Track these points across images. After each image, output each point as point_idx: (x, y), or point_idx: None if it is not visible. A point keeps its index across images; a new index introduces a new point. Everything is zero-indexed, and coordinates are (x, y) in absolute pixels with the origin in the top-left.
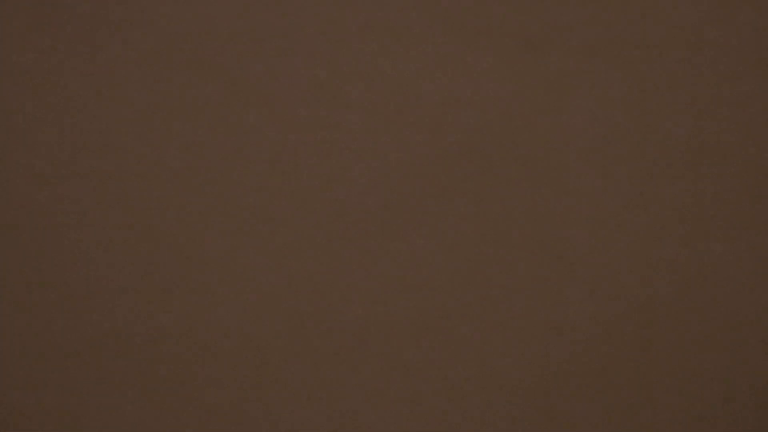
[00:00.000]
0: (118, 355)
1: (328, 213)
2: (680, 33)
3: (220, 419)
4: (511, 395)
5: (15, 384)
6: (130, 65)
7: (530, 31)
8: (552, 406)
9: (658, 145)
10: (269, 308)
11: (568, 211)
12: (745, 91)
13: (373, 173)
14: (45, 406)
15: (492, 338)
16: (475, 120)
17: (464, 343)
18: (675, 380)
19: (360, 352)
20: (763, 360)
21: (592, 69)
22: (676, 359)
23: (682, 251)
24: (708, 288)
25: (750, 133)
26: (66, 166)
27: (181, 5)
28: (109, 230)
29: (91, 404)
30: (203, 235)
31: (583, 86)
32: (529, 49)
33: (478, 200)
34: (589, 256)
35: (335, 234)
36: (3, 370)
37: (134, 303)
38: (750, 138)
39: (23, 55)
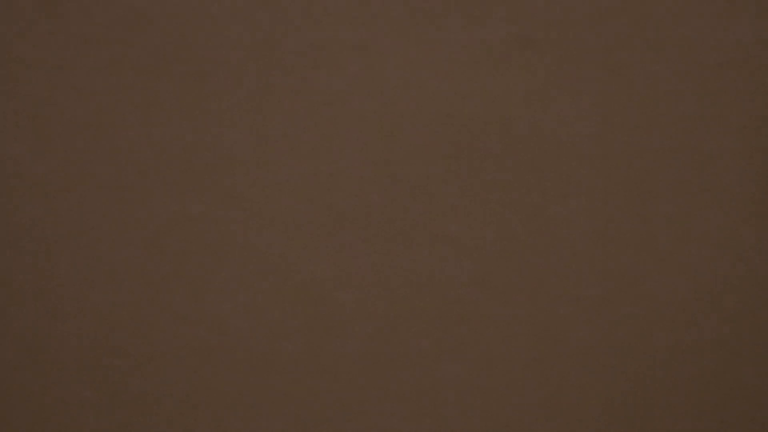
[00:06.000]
0: (117, 357)
1: (326, 213)
2: (679, 30)
3: (221, 421)
4: (512, 394)
5: (13, 387)
6: (128, 64)
7: (527, 28)
8: (554, 406)
9: (657, 142)
10: (270, 309)
11: (565, 208)
12: (745, 91)
13: (369, 172)
14: (42, 409)
15: (493, 337)
16: (471, 117)
17: (465, 343)
18: (676, 382)
19: (359, 352)
20: (764, 363)
21: (589, 65)
22: (677, 362)
23: (683, 249)
24: (709, 289)
25: (750, 132)
26: (64, 166)
27: (179, 4)
28: (105, 229)
29: (90, 407)
30: (203, 235)
31: (581, 83)
32: (525, 46)
33: (474, 198)
34: (588, 255)
35: (333, 233)
36: (3, 372)
37: (132, 303)
38: (749, 136)
39: (21, 54)
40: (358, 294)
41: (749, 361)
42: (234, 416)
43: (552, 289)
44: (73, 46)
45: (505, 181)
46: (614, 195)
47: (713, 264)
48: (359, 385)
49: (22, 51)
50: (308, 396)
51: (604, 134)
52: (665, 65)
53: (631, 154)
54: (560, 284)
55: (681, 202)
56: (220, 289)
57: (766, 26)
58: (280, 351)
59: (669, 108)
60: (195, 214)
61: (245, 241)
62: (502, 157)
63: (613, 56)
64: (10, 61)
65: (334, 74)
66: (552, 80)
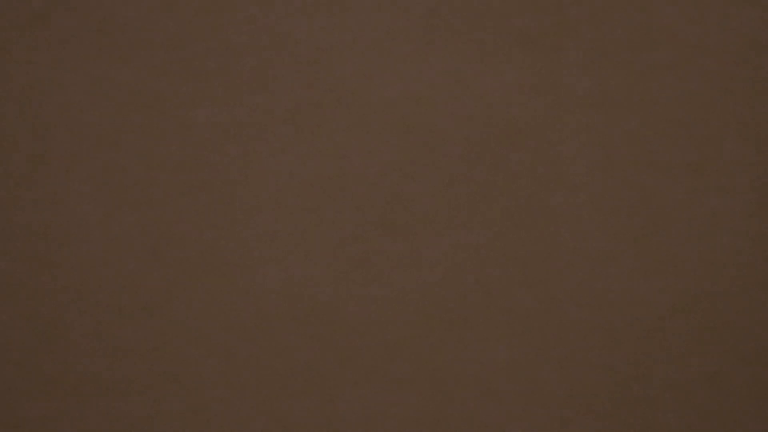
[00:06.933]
0: (118, 354)
1: (326, 215)
2: (678, 29)
3: (222, 421)
4: (512, 395)
5: (13, 385)
6: (128, 65)
7: (528, 28)
8: (554, 408)
9: (659, 143)
10: (271, 311)
11: (568, 210)
12: (746, 90)
13: (372, 173)
14: (43, 407)
15: (493, 339)
16: (471, 117)
17: (465, 344)
18: (676, 382)
19: (359, 353)
20: (765, 363)
21: (591, 66)
22: (677, 361)
23: (683, 251)
24: (710, 289)
25: (751, 131)
26: (64, 164)
27: (179, 6)
28: (108, 228)
29: (90, 406)
30: (203, 235)
31: (583, 83)
32: (527, 45)
33: (473, 198)
34: (588, 255)
35: (333, 235)
36: (3, 371)
37: (133, 303)
38: (751, 136)
39: (20, 54)
40: (359, 295)
41: (749, 360)
42: (233, 421)
43: (553, 289)
44: (74, 48)
45: (506, 180)
46: (615, 194)
47: (713, 263)
48: (362, 387)
49: (22, 51)
50: (309, 397)
51: (604, 133)
52: (664, 64)
53: (632, 153)
54: (561, 283)
55: (681, 201)
56: (223, 293)
57: (765, 25)
58: (281, 352)
59: (669, 107)
60: (196, 218)
61: (247, 243)
62: (503, 156)
63: (612, 56)
64: (11, 62)
65: (335, 76)
66: (552, 80)
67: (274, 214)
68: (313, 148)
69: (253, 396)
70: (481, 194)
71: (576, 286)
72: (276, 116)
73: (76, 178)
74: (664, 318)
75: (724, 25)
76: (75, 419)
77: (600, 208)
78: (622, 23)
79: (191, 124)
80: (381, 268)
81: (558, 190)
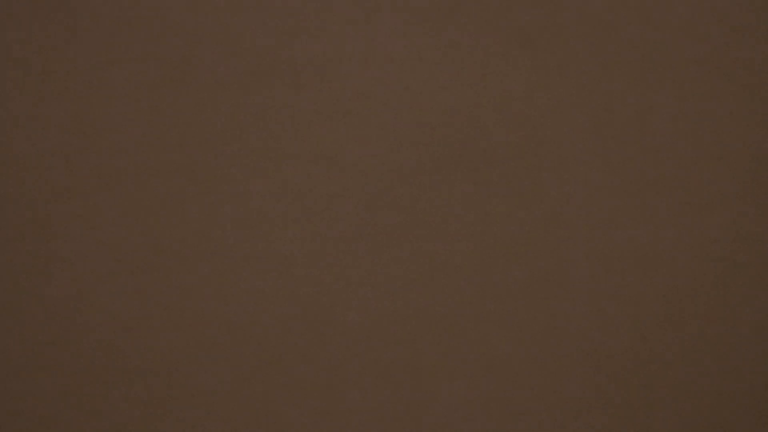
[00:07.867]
0: (115, 358)
1: (325, 213)
2: (679, 30)
3: (222, 421)
4: (512, 395)
5: (13, 387)
6: (129, 65)
7: (528, 27)
8: (553, 407)
9: (658, 143)
10: (270, 311)
11: (566, 210)
12: (745, 90)
13: (369, 173)
14: (42, 409)
15: (494, 340)
16: (472, 118)
17: (466, 345)
18: (675, 384)
19: (358, 354)
20: (763, 364)
21: (590, 65)
22: (677, 363)
23: (682, 251)
24: (709, 290)
25: (750, 131)
26: (64, 166)
27: (180, 8)
28: (106, 230)
29: (89, 407)
30: (202, 236)
31: (581, 82)
32: (526, 45)
33: (474, 199)
34: (587, 256)
35: (333, 234)
36: (2, 370)
37: (133, 304)
38: (750, 136)
39: (21, 54)
40: (360, 296)
41: (748, 360)
42: (233, 421)
43: (552, 289)
44: (75, 50)
45: (506, 181)
46: (614, 194)
47: (713, 262)
48: (362, 388)
49: (22, 52)
50: (309, 398)
51: (603, 133)
52: (664, 64)
53: (631, 153)
54: (560, 284)
55: (680, 201)
56: (223, 293)
57: (766, 25)
58: (281, 350)
59: (668, 107)
60: (196, 219)
61: (246, 243)
62: (503, 156)
63: (612, 56)
64: (11, 63)
65: (336, 77)
66: (552, 80)
67: (275, 215)
68: (314, 149)
69: (252, 397)
70: (480, 194)
71: (576, 285)
72: (277, 117)
73: (75, 178)
74: (664, 318)
75: (726, 25)
76: (74, 418)
77: (601, 208)
78: (623, 23)
79: (192, 123)
80: (381, 268)
81: (558, 190)
